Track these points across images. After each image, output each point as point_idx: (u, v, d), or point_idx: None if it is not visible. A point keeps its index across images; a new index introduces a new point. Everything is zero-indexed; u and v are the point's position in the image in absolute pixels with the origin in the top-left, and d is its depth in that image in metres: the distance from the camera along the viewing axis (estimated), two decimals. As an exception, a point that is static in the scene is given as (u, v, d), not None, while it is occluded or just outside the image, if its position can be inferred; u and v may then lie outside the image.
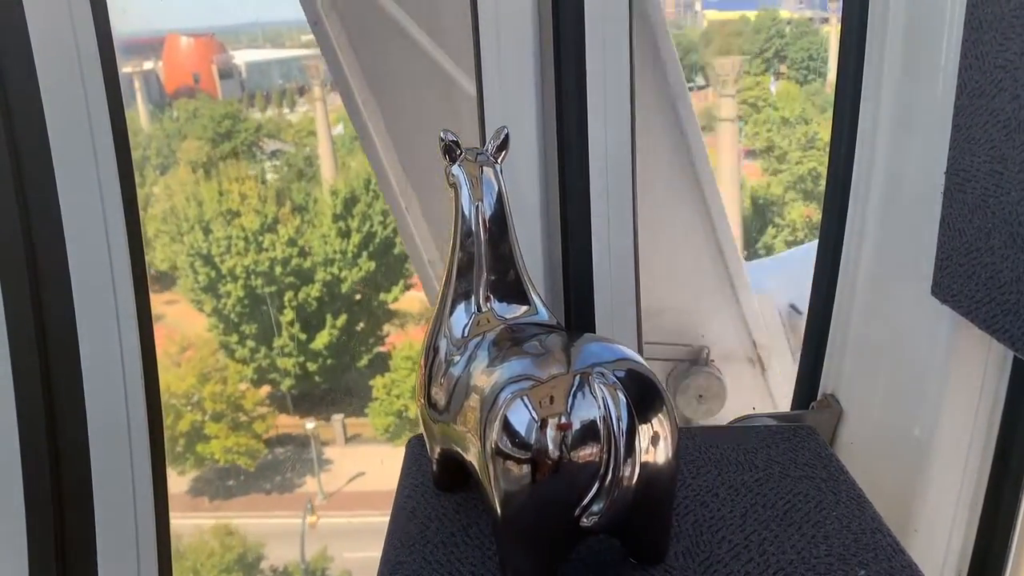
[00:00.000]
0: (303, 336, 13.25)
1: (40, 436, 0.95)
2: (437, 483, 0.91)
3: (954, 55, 0.91)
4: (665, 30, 1.49)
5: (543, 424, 0.66)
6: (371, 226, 13.84)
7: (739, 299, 1.53)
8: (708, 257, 1.54)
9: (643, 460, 0.67)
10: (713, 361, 1.53)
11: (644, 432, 0.67)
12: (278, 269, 13.39)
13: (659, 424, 0.69)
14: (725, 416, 1.53)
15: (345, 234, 13.77)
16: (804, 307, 1.63)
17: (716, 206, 1.59)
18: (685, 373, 1.49)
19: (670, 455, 0.69)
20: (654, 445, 0.68)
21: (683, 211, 1.55)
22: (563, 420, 0.66)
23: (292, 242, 13.57)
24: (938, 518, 1.04)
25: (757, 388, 1.58)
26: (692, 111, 1.59)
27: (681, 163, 1.53)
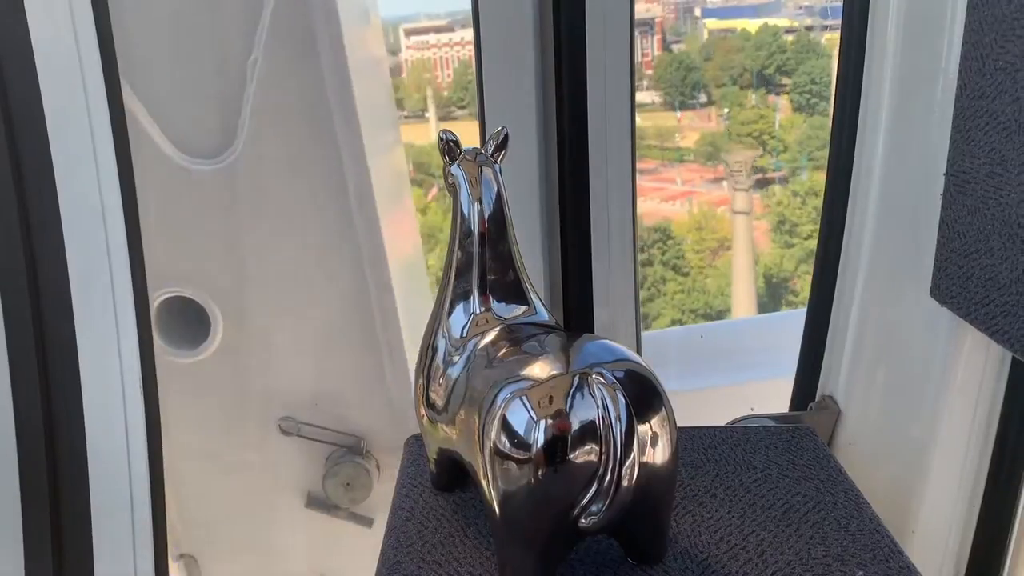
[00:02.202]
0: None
1: (38, 439, 0.95)
2: (435, 483, 0.91)
3: (955, 57, 0.90)
4: (344, 58, 1.34)
5: (542, 424, 0.66)
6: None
7: (396, 396, 1.53)
8: (369, 350, 1.50)
9: (642, 461, 0.67)
10: (370, 453, 1.56)
11: (643, 433, 0.67)
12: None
13: (658, 425, 0.68)
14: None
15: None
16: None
17: (383, 302, 1.48)
18: (338, 460, 1.54)
19: (669, 456, 0.69)
20: (653, 446, 0.68)
21: (341, 299, 1.49)
22: (562, 420, 0.66)
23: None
24: (936, 519, 1.04)
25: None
26: (368, 183, 1.41)
27: (345, 250, 1.45)
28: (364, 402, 1.54)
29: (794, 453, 0.97)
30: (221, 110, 1.33)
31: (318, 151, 1.37)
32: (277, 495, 1.59)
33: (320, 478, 1.55)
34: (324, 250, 1.45)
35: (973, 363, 0.99)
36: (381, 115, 1.66)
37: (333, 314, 1.50)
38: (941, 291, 0.94)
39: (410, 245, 1.82)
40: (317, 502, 1.58)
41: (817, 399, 1.27)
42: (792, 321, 1.36)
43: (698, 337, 1.98)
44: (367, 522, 1.59)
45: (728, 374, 1.68)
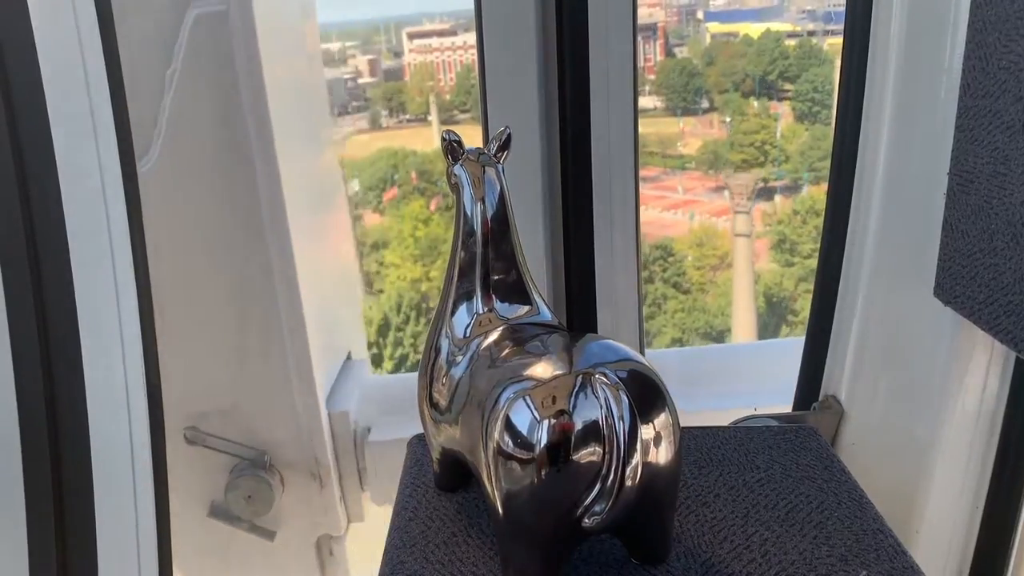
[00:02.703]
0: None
1: (41, 436, 0.95)
2: (439, 483, 0.91)
3: (958, 56, 0.90)
4: (259, 72, 1.35)
5: (545, 424, 0.66)
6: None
7: (303, 412, 1.54)
8: (276, 364, 1.51)
9: (645, 460, 0.67)
10: (274, 467, 1.57)
11: (646, 432, 0.67)
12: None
13: (661, 424, 0.68)
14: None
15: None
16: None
17: (292, 316, 1.49)
18: (241, 472, 1.56)
19: (672, 455, 0.69)
20: (656, 445, 0.68)
21: (255, 313, 1.50)
22: (565, 420, 0.66)
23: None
24: (940, 519, 1.04)
25: (313, 502, 1.60)
26: (280, 196, 1.41)
27: (255, 263, 1.45)
28: (270, 416, 1.55)
29: (797, 453, 0.97)
30: (137, 120, 1.35)
31: (233, 163, 1.39)
32: (181, 503, 1.59)
33: (224, 488, 1.56)
34: (235, 261, 1.46)
35: (977, 363, 0.99)
36: (313, 116, 1.67)
37: (242, 327, 1.51)
38: (945, 291, 0.94)
39: (338, 251, 1.82)
40: (220, 512, 1.59)
41: (820, 399, 1.27)
42: (792, 348, 1.36)
43: (695, 361, 1.98)
44: (269, 535, 1.59)
45: (726, 399, 1.68)
